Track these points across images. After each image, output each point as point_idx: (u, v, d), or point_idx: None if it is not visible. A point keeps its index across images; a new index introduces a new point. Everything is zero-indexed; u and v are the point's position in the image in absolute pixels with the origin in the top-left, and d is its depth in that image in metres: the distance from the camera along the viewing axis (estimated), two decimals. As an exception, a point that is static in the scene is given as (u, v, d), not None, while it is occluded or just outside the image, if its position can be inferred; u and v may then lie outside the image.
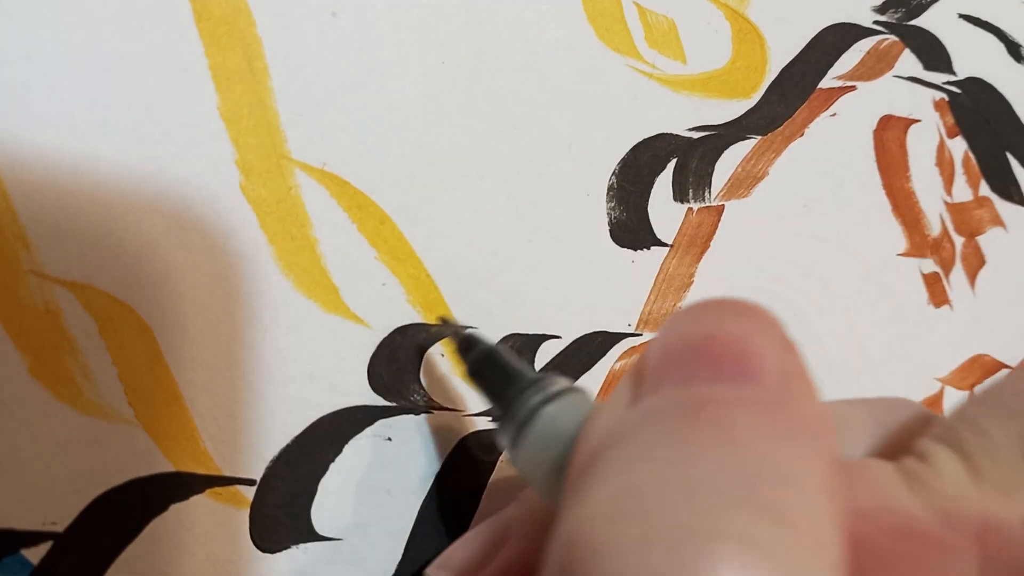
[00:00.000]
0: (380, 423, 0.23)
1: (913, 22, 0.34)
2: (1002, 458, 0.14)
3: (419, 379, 0.23)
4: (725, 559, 0.11)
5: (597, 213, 0.27)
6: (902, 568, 0.13)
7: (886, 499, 0.14)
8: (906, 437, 0.15)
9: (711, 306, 0.15)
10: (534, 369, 0.19)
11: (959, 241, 0.32)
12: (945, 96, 0.33)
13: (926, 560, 0.13)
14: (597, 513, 0.12)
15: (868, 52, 0.32)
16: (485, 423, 0.24)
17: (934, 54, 0.34)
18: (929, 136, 0.33)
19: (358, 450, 0.23)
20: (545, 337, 0.25)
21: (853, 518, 0.13)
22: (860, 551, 0.13)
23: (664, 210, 0.28)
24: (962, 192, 0.33)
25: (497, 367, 0.19)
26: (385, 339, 0.23)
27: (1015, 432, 0.14)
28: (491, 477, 0.24)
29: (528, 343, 0.25)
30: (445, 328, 0.23)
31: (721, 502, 0.12)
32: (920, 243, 0.32)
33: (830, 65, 0.31)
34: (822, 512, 0.12)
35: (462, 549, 0.20)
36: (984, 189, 0.33)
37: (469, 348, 0.20)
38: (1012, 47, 0.35)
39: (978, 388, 0.27)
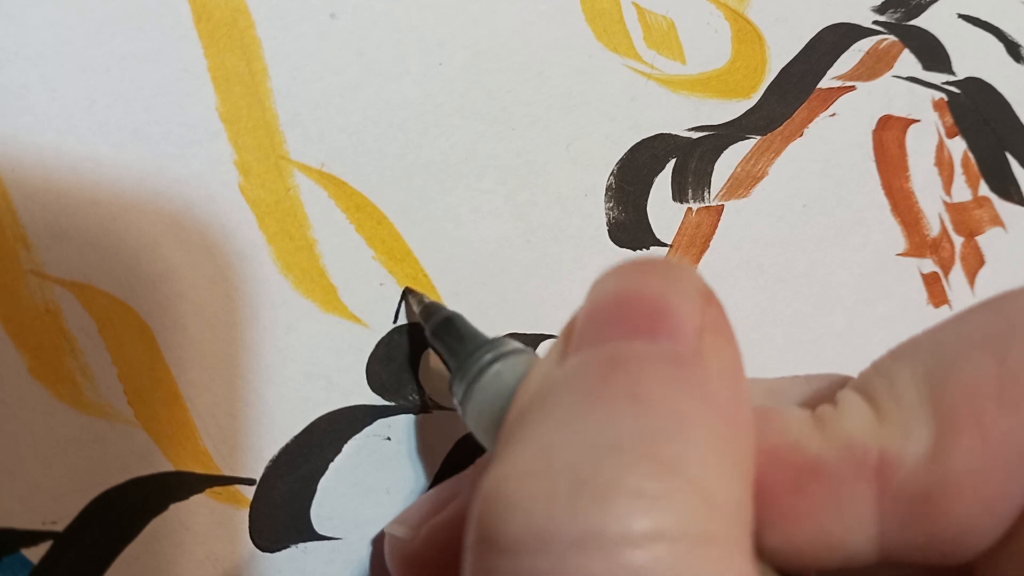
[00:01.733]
0: (379, 422, 0.23)
1: (912, 22, 0.34)
2: (903, 400, 0.14)
3: (417, 378, 0.23)
4: (619, 512, 0.12)
5: (596, 213, 0.27)
6: (802, 502, 0.14)
7: (793, 439, 0.15)
8: (831, 394, 0.16)
9: (632, 266, 0.15)
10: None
11: (958, 241, 0.32)
12: (944, 96, 0.33)
13: (824, 493, 0.14)
14: (512, 471, 0.13)
15: (867, 52, 0.32)
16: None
17: (933, 54, 0.34)
18: (928, 136, 0.33)
19: (357, 449, 0.23)
20: (544, 337, 0.25)
21: (761, 459, 0.14)
22: (765, 489, 0.14)
23: (663, 210, 0.28)
24: (961, 192, 0.33)
25: (455, 331, 0.21)
26: (383, 338, 0.23)
27: (918, 377, 0.14)
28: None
29: (527, 343, 0.25)
30: (410, 298, 0.23)
31: (621, 459, 0.12)
32: (919, 243, 0.32)
33: (829, 65, 0.31)
34: (720, 465, 0.13)
35: (417, 506, 0.21)
36: (983, 189, 0.33)
37: (430, 315, 0.22)
38: (1012, 47, 0.35)
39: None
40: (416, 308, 0.23)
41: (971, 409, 0.14)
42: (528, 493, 0.13)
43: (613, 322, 0.14)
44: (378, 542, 0.23)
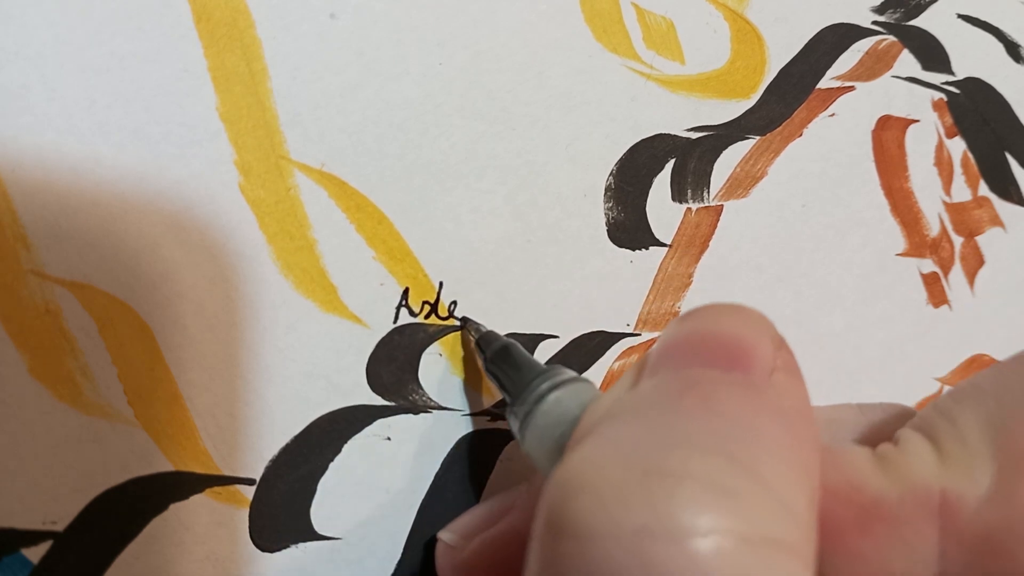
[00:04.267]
0: (379, 423, 0.23)
1: (912, 22, 0.34)
2: (966, 441, 0.15)
3: (417, 379, 0.23)
4: (689, 497, 0.12)
5: (595, 213, 0.27)
6: (865, 541, 0.14)
7: (856, 478, 0.15)
8: (890, 431, 0.16)
9: (710, 308, 0.16)
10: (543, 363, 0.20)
11: (958, 241, 0.32)
12: (944, 96, 0.33)
13: (887, 533, 0.14)
14: (584, 458, 0.13)
15: (867, 52, 0.32)
16: (484, 423, 0.24)
17: (933, 54, 0.34)
18: (928, 136, 0.33)
19: (357, 449, 0.23)
20: (543, 337, 0.25)
21: (825, 498, 0.14)
22: (828, 527, 0.14)
23: (662, 210, 0.28)
24: (961, 192, 0.33)
25: (511, 360, 0.21)
26: (383, 339, 0.23)
27: (980, 419, 0.15)
28: (491, 476, 0.24)
29: (526, 343, 0.25)
30: (467, 325, 0.24)
31: (694, 451, 0.13)
32: (919, 243, 0.32)
33: (829, 65, 0.31)
34: (794, 477, 0.13)
35: (469, 516, 0.22)
36: (983, 189, 0.33)
37: (488, 343, 0.22)
38: (1011, 47, 0.35)
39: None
40: (473, 336, 0.23)
41: None
42: (599, 476, 0.13)
43: (690, 354, 0.15)
44: (430, 547, 0.23)
